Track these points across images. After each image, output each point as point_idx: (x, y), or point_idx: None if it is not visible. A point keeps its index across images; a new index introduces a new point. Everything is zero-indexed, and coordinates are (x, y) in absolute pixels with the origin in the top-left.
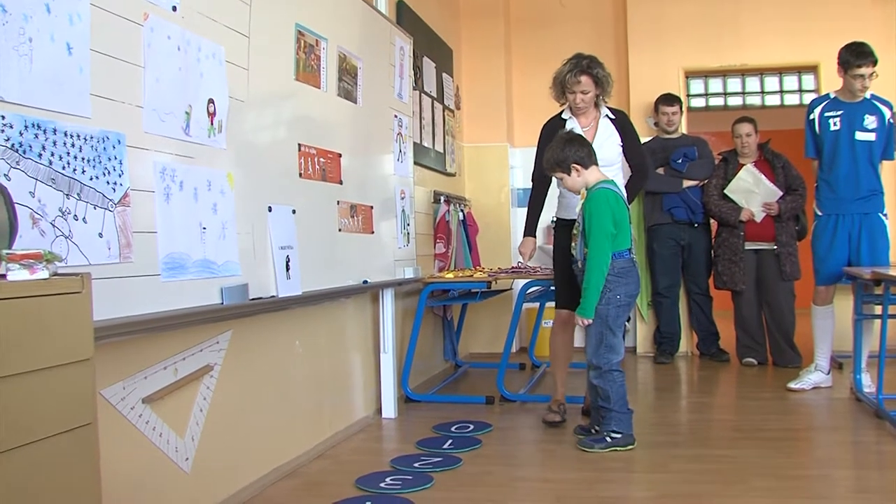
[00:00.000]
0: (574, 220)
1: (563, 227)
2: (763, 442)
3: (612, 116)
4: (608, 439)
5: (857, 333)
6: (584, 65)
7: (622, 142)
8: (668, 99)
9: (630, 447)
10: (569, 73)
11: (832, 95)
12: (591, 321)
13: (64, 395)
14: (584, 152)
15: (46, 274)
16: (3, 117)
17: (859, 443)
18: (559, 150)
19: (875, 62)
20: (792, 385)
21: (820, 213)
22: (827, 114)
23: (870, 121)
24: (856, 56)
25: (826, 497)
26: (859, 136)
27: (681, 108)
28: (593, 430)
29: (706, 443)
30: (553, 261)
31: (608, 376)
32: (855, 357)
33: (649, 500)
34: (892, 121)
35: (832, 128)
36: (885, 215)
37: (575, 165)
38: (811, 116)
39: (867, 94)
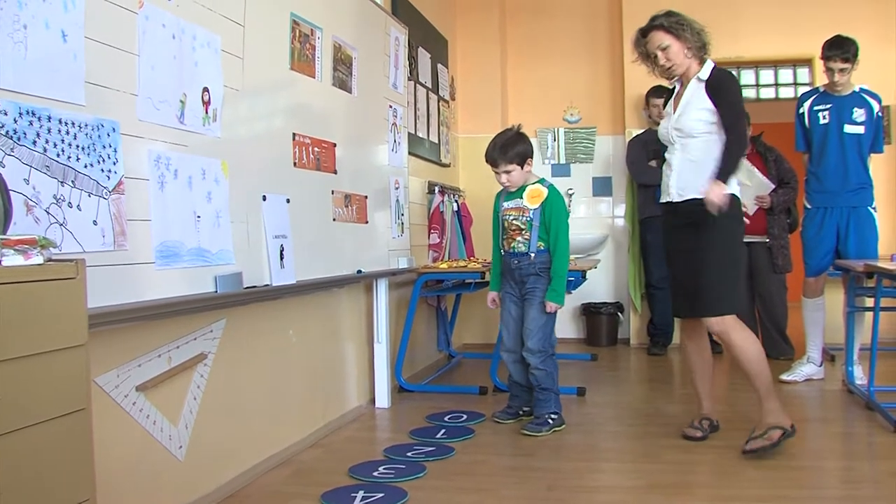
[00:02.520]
0: (674, 203)
1: (670, 215)
2: None
3: (704, 78)
4: (549, 421)
5: (849, 326)
6: (648, 25)
7: (716, 107)
8: (658, 91)
9: (563, 426)
10: (637, 39)
11: (821, 89)
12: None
13: (58, 381)
14: (532, 148)
15: (41, 259)
16: None
17: (851, 434)
18: (521, 143)
19: (847, 58)
20: (784, 377)
21: (809, 206)
22: (816, 107)
23: (858, 114)
24: (825, 49)
25: (817, 487)
26: (848, 129)
27: None
28: (520, 413)
29: None
30: (667, 259)
31: (551, 360)
32: (847, 349)
33: (640, 490)
34: (880, 114)
35: (821, 121)
36: (873, 209)
37: (529, 160)
38: (801, 110)
39: (856, 88)
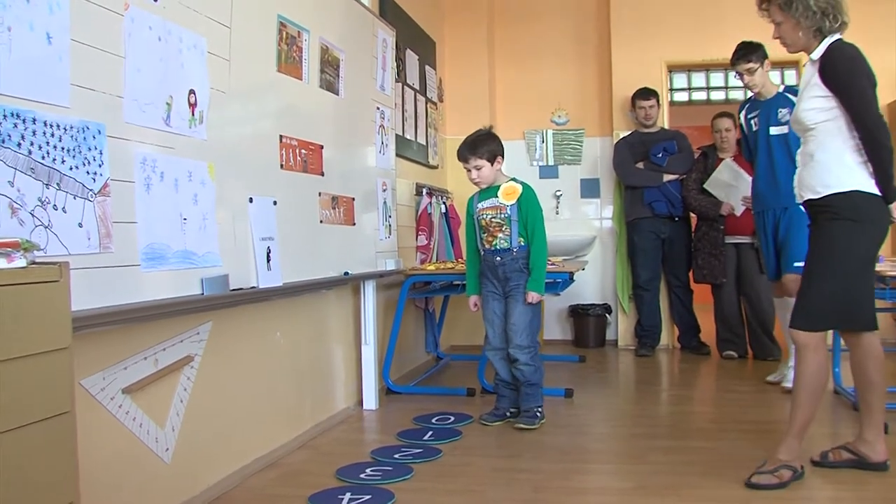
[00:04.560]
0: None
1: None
2: (741, 434)
3: (815, 59)
4: (538, 414)
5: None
6: None
7: (831, 92)
8: (645, 93)
9: (544, 420)
10: (759, 4)
11: (752, 97)
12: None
13: (41, 384)
14: (503, 148)
15: (24, 262)
16: None
17: (837, 435)
18: (491, 141)
19: (750, 58)
20: (771, 378)
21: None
22: (749, 115)
23: (782, 114)
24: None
25: (803, 488)
26: (773, 130)
27: (658, 101)
28: (508, 414)
29: (685, 435)
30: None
31: (538, 356)
32: (833, 351)
33: (627, 491)
34: None
35: (753, 128)
36: None
37: (499, 159)
38: (739, 121)
39: (780, 88)
